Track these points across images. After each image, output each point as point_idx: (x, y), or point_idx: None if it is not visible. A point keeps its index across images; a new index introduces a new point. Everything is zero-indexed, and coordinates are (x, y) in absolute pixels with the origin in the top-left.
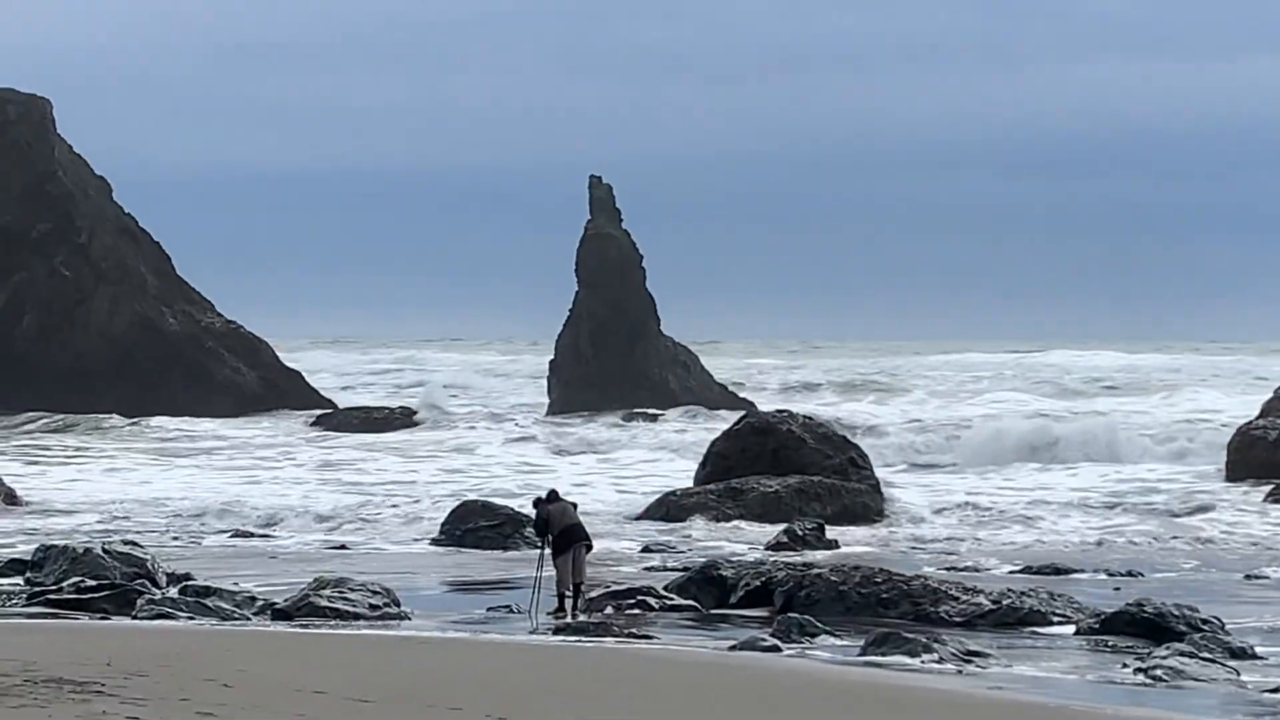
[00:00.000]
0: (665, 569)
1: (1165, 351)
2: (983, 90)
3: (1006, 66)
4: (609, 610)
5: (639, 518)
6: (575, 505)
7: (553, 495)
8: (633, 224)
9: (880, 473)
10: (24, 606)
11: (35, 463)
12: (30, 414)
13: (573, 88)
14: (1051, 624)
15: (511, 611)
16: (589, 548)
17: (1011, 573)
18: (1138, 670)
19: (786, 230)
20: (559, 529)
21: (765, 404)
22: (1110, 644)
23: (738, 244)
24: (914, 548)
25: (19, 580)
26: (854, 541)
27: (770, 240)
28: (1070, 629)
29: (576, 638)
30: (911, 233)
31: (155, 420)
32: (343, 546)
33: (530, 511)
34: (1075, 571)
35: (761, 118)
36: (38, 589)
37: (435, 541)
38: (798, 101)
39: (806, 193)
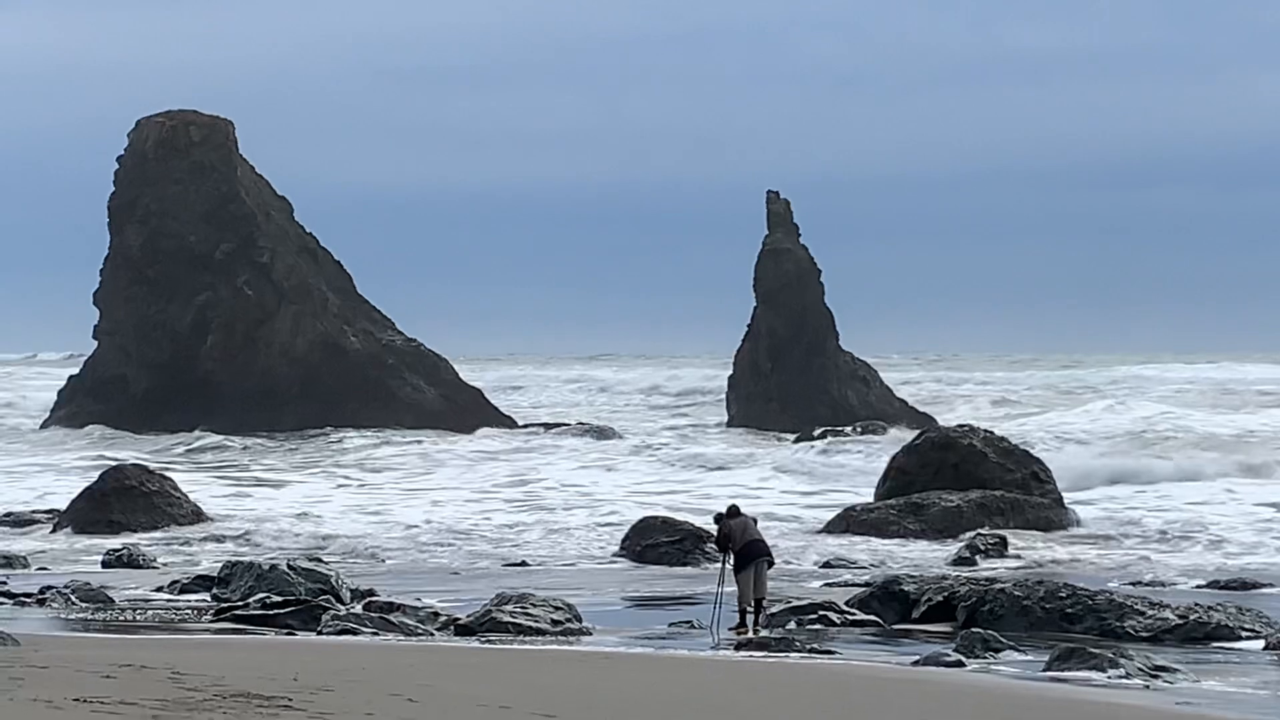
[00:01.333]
0: (846, 584)
1: None
2: (1165, 102)
3: (1190, 77)
4: (791, 626)
5: (819, 532)
6: (756, 520)
7: (734, 510)
8: (810, 238)
9: (1063, 487)
10: (211, 622)
11: (220, 480)
12: (214, 433)
13: (750, 103)
14: (1240, 639)
15: (693, 627)
16: (770, 563)
17: (1198, 587)
18: None
19: (967, 243)
20: (740, 544)
21: (946, 418)
22: None
23: (917, 257)
24: (1097, 562)
25: (206, 596)
26: (1037, 556)
27: (951, 253)
28: (1259, 644)
29: (759, 653)
30: (1092, 245)
31: (337, 437)
32: (524, 562)
33: (711, 527)
34: (1264, 586)
35: (938, 131)
36: (225, 605)
37: (616, 557)
38: (974, 115)
39: (985, 206)
